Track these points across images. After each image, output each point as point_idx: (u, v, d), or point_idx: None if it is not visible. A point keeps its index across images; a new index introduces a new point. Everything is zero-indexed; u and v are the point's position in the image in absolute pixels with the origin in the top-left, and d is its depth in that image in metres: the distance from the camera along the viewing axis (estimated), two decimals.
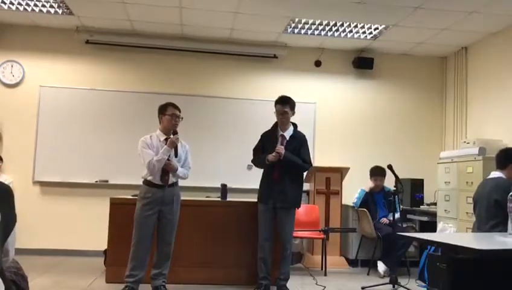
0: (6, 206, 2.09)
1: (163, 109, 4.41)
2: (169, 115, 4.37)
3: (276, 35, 6.59)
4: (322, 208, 6.24)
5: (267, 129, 4.84)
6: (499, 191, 3.71)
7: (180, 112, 4.43)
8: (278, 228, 4.64)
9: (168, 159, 4.29)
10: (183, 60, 6.83)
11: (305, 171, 4.78)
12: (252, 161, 4.87)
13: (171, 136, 4.32)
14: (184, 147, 4.54)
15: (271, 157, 4.54)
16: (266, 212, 4.63)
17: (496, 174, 3.97)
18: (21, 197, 6.26)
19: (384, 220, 5.90)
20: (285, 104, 4.66)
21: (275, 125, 4.77)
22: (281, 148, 4.54)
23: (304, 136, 4.77)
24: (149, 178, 4.32)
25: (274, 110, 4.70)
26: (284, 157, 4.52)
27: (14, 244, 2.26)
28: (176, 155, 4.34)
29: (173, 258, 4.45)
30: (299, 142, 4.68)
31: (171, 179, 4.35)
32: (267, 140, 4.73)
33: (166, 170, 4.29)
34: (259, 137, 4.86)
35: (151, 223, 4.29)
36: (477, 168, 5.22)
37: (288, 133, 4.71)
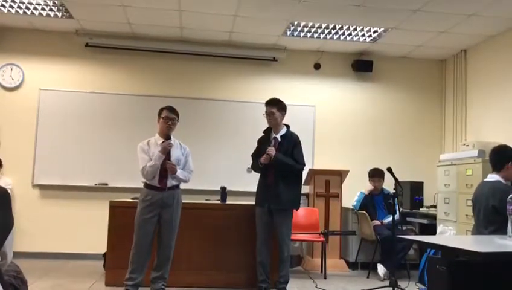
0: (4, 209, 2.09)
1: (159, 112, 4.46)
2: (162, 118, 4.40)
3: (275, 38, 6.60)
4: (322, 210, 6.24)
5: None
6: (496, 196, 3.63)
7: (176, 114, 4.44)
8: (275, 230, 4.64)
9: (169, 160, 4.30)
10: (183, 63, 6.84)
11: (298, 172, 4.76)
12: (251, 167, 4.89)
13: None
14: (184, 149, 4.55)
15: (262, 159, 4.57)
16: (263, 215, 4.63)
17: (493, 177, 3.84)
18: (21, 201, 6.27)
19: (376, 222, 5.91)
20: (272, 105, 4.69)
21: (269, 129, 4.79)
22: (271, 150, 4.55)
23: (296, 137, 4.76)
24: (148, 181, 4.33)
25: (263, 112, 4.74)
26: (274, 158, 4.53)
27: (12, 247, 2.26)
28: (169, 159, 4.33)
29: (173, 261, 4.44)
30: (291, 143, 4.68)
31: (171, 182, 4.35)
32: (263, 144, 4.75)
33: (166, 171, 4.29)
34: (259, 140, 4.87)
35: (150, 226, 4.29)
36: (476, 170, 5.22)
37: (280, 134, 4.72)
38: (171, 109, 4.44)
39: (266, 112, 4.70)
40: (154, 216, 4.29)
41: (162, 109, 4.46)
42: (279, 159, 4.56)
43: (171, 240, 4.37)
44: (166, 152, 4.30)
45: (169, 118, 4.39)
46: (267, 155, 4.54)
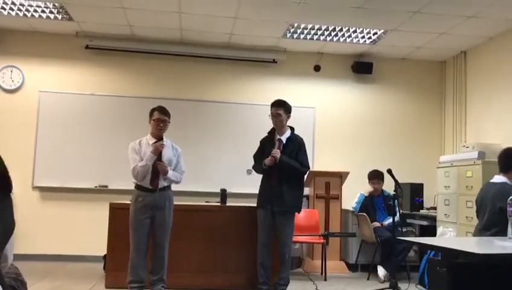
0: (5, 211, 2.09)
1: (150, 114, 4.42)
2: (153, 120, 4.36)
3: (275, 40, 6.60)
4: (322, 212, 6.23)
5: (266, 134, 4.85)
6: (504, 198, 3.60)
7: (168, 115, 4.40)
8: (277, 232, 4.63)
9: (160, 161, 4.28)
10: (183, 65, 6.84)
11: (303, 174, 4.78)
12: (253, 168, 4.88)
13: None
14: (176, 150, 4.52)
15: (267, 161, 4.55)
16: (265, 217, 4.62)
17: (499, 178, 3.83)
18: (20, 203, 6.25)
19: (376, 223, 5.91)
20: (278, 106, 4.67)
21: (273, 130, 4.78)
22: (276, 152, 4.54)
23: (301, 139, 4.77)
24: (140, 182, 4.31)
25: (269, 113, 4.73)
26: (280, 161, 4.52)
27: (12, 250, 2.26)
28: (160, 160, 4.30)
29: (173, 263, 4.44)
30: (296, 146, 4.68)
31: (162, 183, 4.33)
32: (266, 145, 4.74)
33: (157, 172, 4.27)
34: (258, 142, 4.87)
35: (145, 228, 4.27)
36: (476, 172, 5.22)
37: (285, 136, 4.71)
38: (162, 110, 4.38)
39: (272, 113, 4.68)
40: (147, 218, 4.27)
41: (153, 110, 4.41)
42: (284, 161, 4.55)
43: (165, 242, 4.35)
44: (158, 153, 4.28)
45: (160, 119, 4.34)
46: (272, 157, 4.53)
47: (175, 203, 4.56)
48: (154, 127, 4.37)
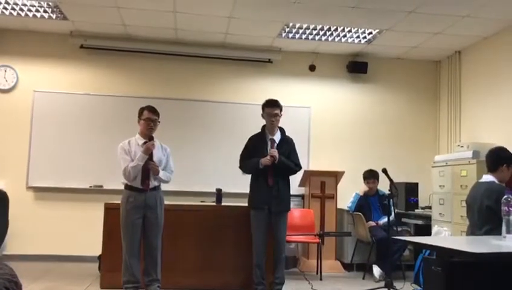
0: (3, 211, 2.08)
1: (139, 113, 4.40)
2: (143, 120, 4.34)
3: (270, 39, 6.60)
4: (317, 212, 6.24)
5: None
6: (491, 197, 3.65)
7: (158, 115, 4.39)
8: (272, 232, 4.64)
9: (151, 160, 4.27)
10: (178, 65, 6.83)
11: (295, 173, 4.82)
12: (241, 167, 4.82)
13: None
14: (165, 150, 4.51)
15: (265, 161, 4.53)
16: (260, 217, 4.61)
17: (487, 177, 3.87)
18: (15, 203, 6.18)
19: (371, 223, 5.92)
20: (276, 106, 4.68)
21: (263, 129, 4.77)
22: (275, 152, 4.54)
23: (292, 140, 4.80)
24: (130, 183, 4.29)
25: (262, 113, 4.71)
26: (278, 160, 4.52)
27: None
28: (151, 160, 4.29)
29: (168, 263, 4.43)
30: (289, 146, 4.71)
31: (153, 183, 4.32)
32: (256, 144, 4.72)
33: (148, 172, 4.25)
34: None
35: (138, 228, 4.26)
36: (471, 171, 5.24)
37: (277, 136, 4.72)
38: (152, 110, 4.37)
39: (269, 113, 4.65)
40: (140, 218, 4.26)
41: (142, 109, 4.39)
42: (283, 161, 4.57)
43: (158, 242, 4.34)
44: (149, 152, 4.26)
45: (151, 119, 4.33)
46: (271, 157, 4.53)
47: (170, 203, 4.55)
48: (144, 126, 4.35)
